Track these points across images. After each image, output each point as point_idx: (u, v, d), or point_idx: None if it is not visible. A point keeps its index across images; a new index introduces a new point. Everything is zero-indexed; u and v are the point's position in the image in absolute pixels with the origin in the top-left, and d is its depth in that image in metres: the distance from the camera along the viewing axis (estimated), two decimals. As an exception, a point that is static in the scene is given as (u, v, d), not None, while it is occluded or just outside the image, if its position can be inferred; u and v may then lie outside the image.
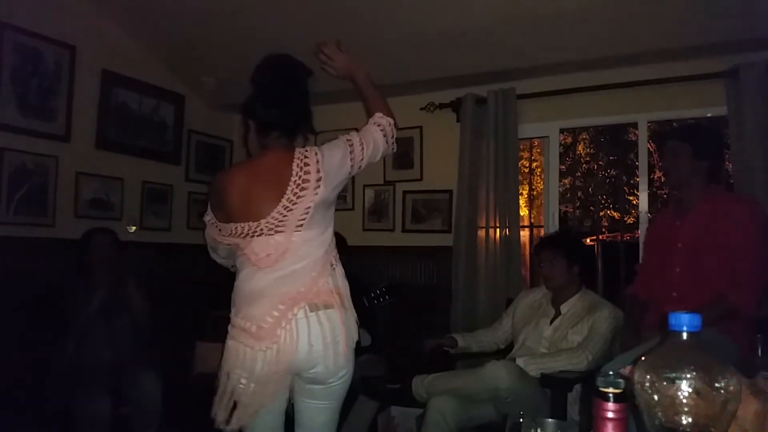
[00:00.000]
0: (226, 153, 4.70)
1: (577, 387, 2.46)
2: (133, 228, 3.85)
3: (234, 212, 1.83)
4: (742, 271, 2.25)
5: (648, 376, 0.77)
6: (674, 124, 3.48)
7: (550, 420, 1.08)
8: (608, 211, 7.81)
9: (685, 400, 0.75)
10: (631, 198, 6.64)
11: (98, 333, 3.04)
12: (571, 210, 6.31)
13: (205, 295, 3.52)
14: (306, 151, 1.86)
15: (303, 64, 1.95)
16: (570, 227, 5.51)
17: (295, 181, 1.80)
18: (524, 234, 4.19)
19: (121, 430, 2.85)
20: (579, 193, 7.31)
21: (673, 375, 0.75)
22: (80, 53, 3.53)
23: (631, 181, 6.49)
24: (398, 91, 3.85)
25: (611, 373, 0.81)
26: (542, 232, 3.87)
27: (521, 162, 4.15)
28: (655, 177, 4.64)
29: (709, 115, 3.32)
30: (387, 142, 1.96)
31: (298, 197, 1.79)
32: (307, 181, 1.80)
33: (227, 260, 2.00)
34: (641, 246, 3.22)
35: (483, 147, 3.78)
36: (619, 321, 2.66)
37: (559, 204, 3.94)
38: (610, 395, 0.79)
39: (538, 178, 5.59)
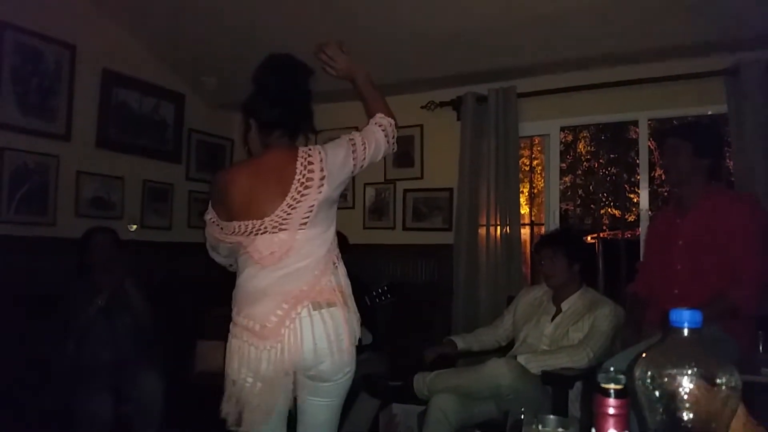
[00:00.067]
0: (226, 152, 4.70)
1: (578, 384, 2.47)
2: (134, 227, 3.86)
3: (237, 210, 1.83)
4: (743, 269, 2.25)
5: (649, 373, 0.77)
6: (675, 122, 3.47)
7: (551, 416, 1.09)
8: (609, 209, 7.80)
9: (686, 396, 0.75)
10: (631, 196, 6.63)
11: (99, 332, 3.04)
12: (572, 208, 6.30)
13: (205, 294, 3.52)
14: (310, 149, 1.87)
15: (304, 64, 1.95)
16: (571, 225, 5.51)
17: (299, 179, 1.81)
18: (525, 232, 4.19)
19: (123, 428, 2.85)
20: (580, 191, 7.31)
21: (675, 371, 0.76)
22: (80, 52, 3.53)
23: (632, 179, 6.48)
24: (399, 89, 3.86)
25: (612, 369, 0.81)
26: (543, 230, 3.87)
27: (522, 160, 4.15)
28: (656, 175, 4.63)
29: (709, 112, 3.32)
30: (388, 142, 1.97)
31: (302, 195, 1.80)
32: (311, 179, 1.81)
33: (227, 259, 2.00)
34: (642, 244, 3.22)
35: (483, 145, 3.78)
36: (620, 318, 2.66)
37: (560, 202, 3.94)
38: (611, 391, 0.79)
39: (539, 176, 5.59)
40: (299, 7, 3.27)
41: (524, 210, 4.89)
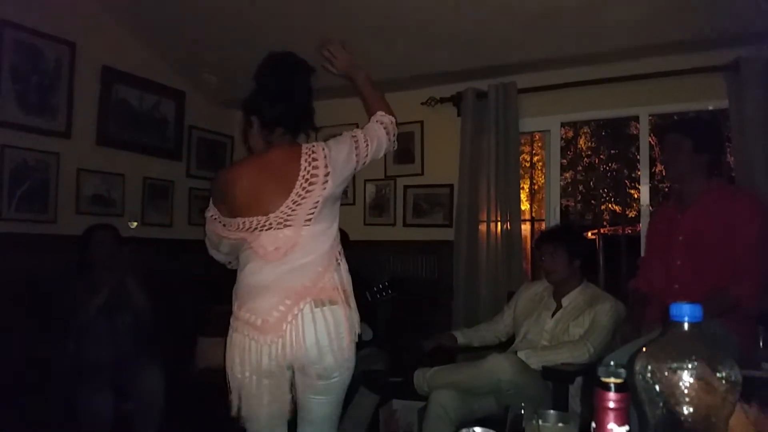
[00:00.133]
0: (226, 149, 4.70)
1: (579, 379, 2.47)
2: (135, 224, 3.86)
3: (241, 207, 1.84)
4: (744, 265, 2.25)
5: (649, 367, 0.78)
6: (675, 117, 3.47)
7: (551, 411, 1.09)
8: (609, 205, 7.81)
9: (686, 390, 0.75)
10: (632, 191, 6.64)
11: (100, 329, 3.04)
12: (573, 204, 6.30)
13: (206, 291, 3.52)
14: (313, 146, 1.88)
15: (305, 62, 1.97)
16: (571, 221, 5.51)
17: (304, 175, 1.82)
18: (525, 228, 4.19)
19: (124, 426, 2.86)
20: (580, 187, 7.31)
21: (675, 365, 0.76)
22: (80, 50, 3.52)
23: (633, 175, 6.49)
24: (399, 85, 3.86)
25: (612, 363, 0.81)
26: (543, 226, 3.87)
27: (522, 156, 4.15)
28: (657, 170, 4.63)
29: (710, 108, 3.31)
30: (389, 140, 2.00)
31: (307, 191, 1.82)
32: (316, 176, 1.83)
33: (227, 257, 2.00)
34: (643, 239, 3.22)
35: (484, 141, 3.77)
36: (621, 314, 2.66)
37: (561, 198, 3.93)
38: (612, 385, 0.79)
39: (539, 172, 5.58)
40: (299, 4, 3.26)
41: (525, 206, 4.89)
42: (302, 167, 1.83)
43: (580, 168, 7.43)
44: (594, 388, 0.81)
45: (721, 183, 2.58)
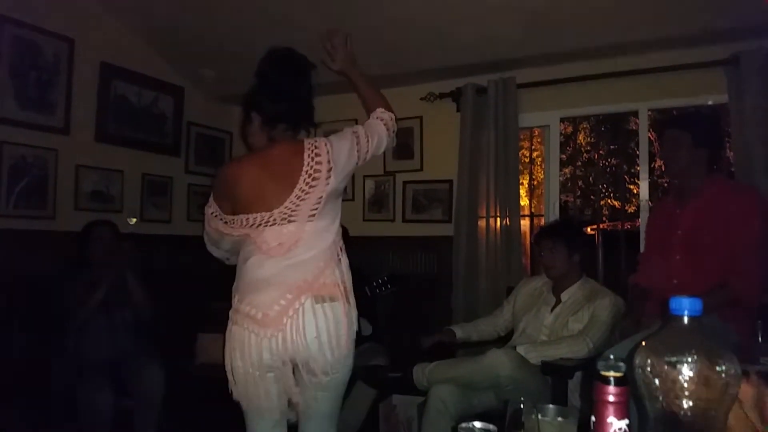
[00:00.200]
0: (225, 145, 4.69)
1: (578, 374, 2.47)
2: (134, 220, 3.86)
3: (245, 203, 1.84)
4: (744, 259, 2.25)
5: (649, 360, 0.77)
6: (675, 112, 3.47)
7: (550, 406, 1.09)
8: (609, 200, 7.81)
9: (686, 384, 0.75)
10: (631, 187, 6.64)
11: (100, 326, 3.05)
12: (572, 199, 6.30)
13: (205, 287, 3.52)
14: (316, 141, 1.89)
15: (306, 58, 1.97)
16: (570, 216, 5.51)
17: (307, 171, 1.83)
18: (525, 223, 4.19)
19: (124, 422, 2.86)
20: (579, 183, 7.31)
21: (674, 359, 0.76)
22: (79, 46, 3.52)
23: (632, 170, 6.49)
24: (398, 81, 3.86)
25: (612, 356, 0.81)
26: (543, 221, 3.87)
27: (521, 151, 4.14)
28: (656, 166, 4.63)
29: (710, 103, 3.31)
30: (389, 136, 2.01)
31: (311, 187, 1.82)
32: (319, 171, 1.83)
33: (227, 253, 2.00)
34: (642, 235, 3.22)
35: (483, 137, 3.77)
36: (621, 309, 2.67)
37: (560, 193, 3.93)
38: (611, 379, 0.79)
39: (539, 167, 5.59)
40: (298, -1, 3.26)
41: (524, 201, 4.89)
42: (305, 162, 1.83)
43: (580, 163, 7.43)
44: (593, 382, 0.81)
45: (721, 178, 2.58)
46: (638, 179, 3.81)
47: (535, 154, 5.56)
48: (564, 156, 5.42)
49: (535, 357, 2.53)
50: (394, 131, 2.03)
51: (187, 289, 3.82)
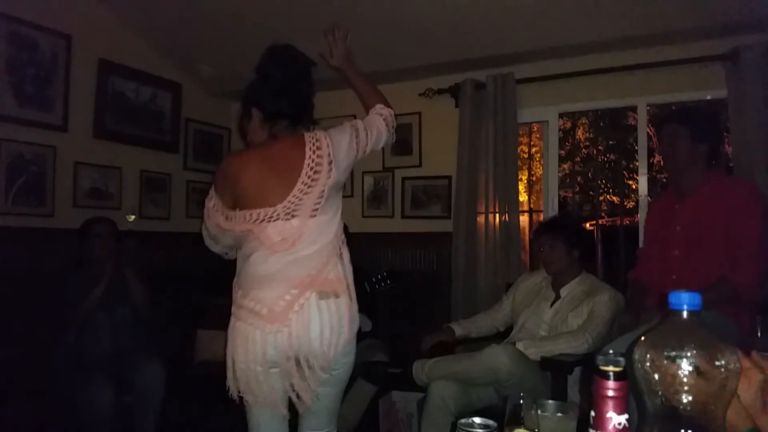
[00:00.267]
0: (223, 141, 4.68)
1: (577, 370, 2.47)
2: (132, 217, 3.84)
3: (247, 198, 1.84)
4: (743, 254, 2.25)
5: (648, 355, 0.77)
6: (673, 107, 3.46)
7: (550, 401, 1.09)
8: (608, 196, 7.80)
9: (685, 379, 0.75)
10: (630, 182, 6.63)
11: (99, 322, 3.04)
12: (571, 195, 6.30)
13: (204, 283, 3.52)
14: (316, 135, 1.90)
15: (306, 55, 1.97)
16: (569, 212, 5.51)
17: (309, 164, 1.84)
18: (524, 219, 4.19)
19: (124, 418, 2.86)
20: (578, 178, 7.30)
21: (674, 353, 0.75)
22: (76, 42, 3.51)
23: (631, 166, 6.48)
24: (397, 77, 3.85)
25: (611, 351, 0.81)
26: (542, 217, 3.87)
27: (520, 147, 4.14)
28: (655, 161, 4.63)
29: (708, 97, 3.31)
30: (389, 132, 2.03)
31: (313, 180, 1.83)
32: (320, 164, 1.85)
33: (226, 248, 1.99)
34: (641, 230, 3.22)
35: (482, 132, 3.77)
36: (620, 304, 2.67)
37: (559, 189, 3.93)
38: (611, 373, 0.79)
39: (538, 163, 5.58)
40: (296, -6, 3.25)
41: (523, 197, 4.89)
42: (307, 155, 1.85)
43: (578, 159, 7.42)
44: (593, 377, 0.81)
45: (720, 173, 2.57)
46: (637, 175, 3.80)
47: (534, 149, 5.55)
48: (563, 152, 5.42)
49: (535, 352, 2.53)
50: (393, 127, 2.05)
51: (186, 286, 3.82)
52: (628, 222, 4.97)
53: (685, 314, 0.79)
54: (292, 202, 1.82)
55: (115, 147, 3.80)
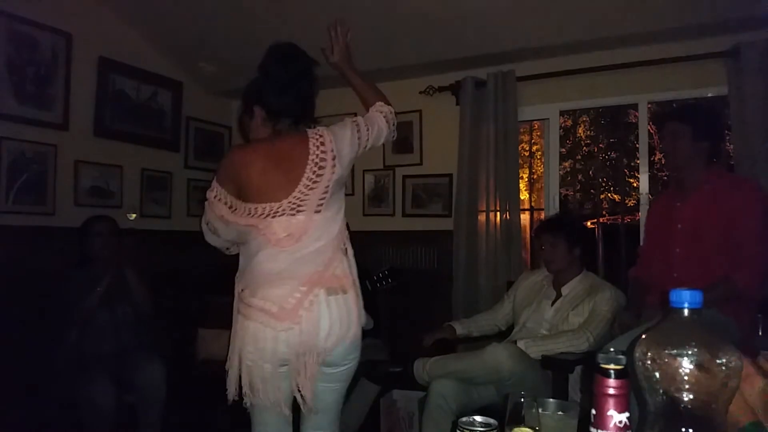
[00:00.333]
0: (224, 139, 4.68)
1: (578, 368, 2.47)
2: (133, 215, 3.85)
3: (251, 192, 1.84)
4: (744, 252, 2.25)
5: (649, 353, 0.77)
6: (674, 105, 3.46)
7: (551, 400, 1.09)
8: (609, 194, 7.80)
9: (686, 377, 0.75)
10: (631, 180, 6.63)
11: (100, 321, 3.04)
12: (572, 193, 6.30)
13: (206, 282, 3.52)
14: (319, 131, 1.92)
15: (307, 54, 1.98)
16: (570, 210, 5.50)
17: (314, 160, 1.86)
18: (525, 217, 4.19)
19: (126, 417, 2.86)
20: (579, 176, 7.30)
21: (675, 351, 0.75)
22: (76, 40, 3.50)
23: (632, 164, 6.48)
24: (397, 74, 3.85)
25: (612, 350, 0.81)
26: (543, 215, 3.86)
27: (521, 145, 4.14)
28: (656, 159, 4.62)
29: (709, 95, 3.30)
30: (389, 128, 2.06)
31: (318, 176, 1.85)
32: (324, 160, 1.87)
33: (228, 242, 1.98)
34: (642, 228, 3.22)
35: (483, 130, 3.76)
36: (621, 303, 2.67)
37: (560, 187, 3.92)
38: (612, 371, 0.79)
39: (539, 161, 5.58)
40: (296, -8, 3.24)
41: (524, 195, 4.90)
42: (311, 151, 1.86)
43: (579, 157, 7.42)
44: (594, 375, 0.80)
45: (721, 171, 2.57)
46: (638, 172, 3.80)
47: (534, 147, 5.55)
48: (564, 149, 5.41)
49: (536, 351, 2.53)
50: (394, 124, 2.08)
51: (188, 285, 3.82)
52: (629, 220, 4.97)
53: (686, 312, 0.78)
54: (298, 198, 1.83)
55: (116, 145, 3.80)
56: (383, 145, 2.11)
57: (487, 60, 3.68)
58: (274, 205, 1.82)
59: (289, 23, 3.26)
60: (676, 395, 0.75)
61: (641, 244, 2.95)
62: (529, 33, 3.36)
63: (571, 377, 2.43)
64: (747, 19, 2.97)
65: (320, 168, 1.85)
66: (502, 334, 2.99)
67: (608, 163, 7.76)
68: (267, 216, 1.82)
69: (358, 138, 1.96)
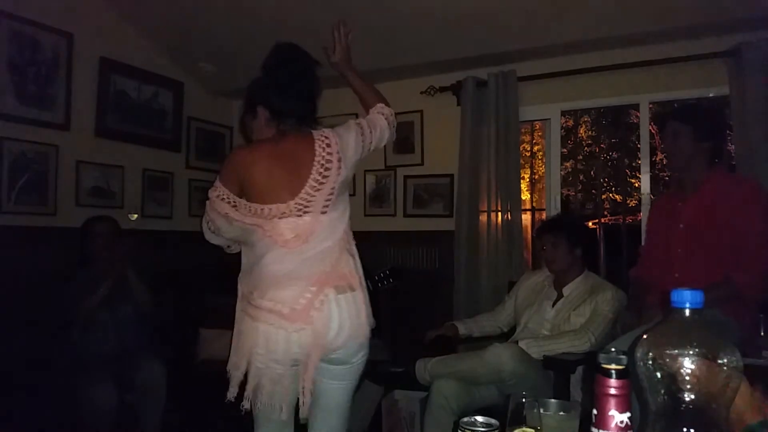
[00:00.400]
0: (226, 140, 4.69)
1: (580, 369, 2.47)
2: (135, 216, 3.86)
3: (256, 192, 1.84)
4: (747, 253, 2.24)
5: (650, 353, 0.77)
6: (676, 105, 3.45)
7: (552, 400, 1.09)
8: (610, 194, 7.79)
9: (687, 377, 0.75)
10: (633, 180, 6.63)
11: (101, 321, 3.05)
12: (573, 193, 6.30)
13: (207, 282, 3.52)
14: (324, 132, 1.93)
15: (310, 54, 1.98)
16: (572, 210, 5.50)
17: (320, 161, 1.86)
18: (526, 218, 4.18)
19: (127, 417, 2.86)
20: (581, 177, 7.30)
21: (676, 351, 0.75)
22: (78, 41, 3.51)
23: (633, 164, 6.48)
24: (398, 74, 3.85)
25: (613, 350, 0.81)
26: (544, 215, 3.86)
27: (523, 145, 4.14)
28: (657, 159, 4.62)
29: (711, 95, 3.30)
30: (390, 130, 2.08)
31: (324, 177, 1.85)
32: (330, 161, 1.87)
33: (229, 241, 1.97)
34: (643, 228, 3.22)
35: (484, 130, 3.76)
36: (622, 303, 2.66)
37: (561, 187, 3.92)
38: (613, 371, 0.79)
39: (540, 161, 5.57)
40: (297, -8, 3.24)
41: (525, 196, 4.88)
42: (317, 153, 1.87)
43: (581, 157, 7.41)
44: (595, 375, 0.80)
45: (723, 171, 2.57)
46: (639, 173, 3.80)
47: (536, 148, 5.54)
48: (565, 150, 5.41)
49: (537, 351, 2.53)
50: (394, 126, 2.09)
51: (189, 285, 3.82)
52: (630, 220, 4.97)
53: (687, 312, 0.78)
54: (305, 199, 1.83)
55: (117, 145, 3.80)
56: (384, 145, 2.12)
57: (488, 60, 3.68)
58: (281, 206, 1.81)
59: (289, 23, 3.26)
60: (678, 395, 0.75)
61: (642, 244, 2.94)
62: (531, 33, 3.36)
63: (572, 377, 2.43)
64: (748, 19, 2.97)
65: (326, 169, 1.86)
66: (505, 336, 2.99)
67: (609, 164, 7.75)
68: (273, 217, 1.82)
69: (363, 141, 1.97)
